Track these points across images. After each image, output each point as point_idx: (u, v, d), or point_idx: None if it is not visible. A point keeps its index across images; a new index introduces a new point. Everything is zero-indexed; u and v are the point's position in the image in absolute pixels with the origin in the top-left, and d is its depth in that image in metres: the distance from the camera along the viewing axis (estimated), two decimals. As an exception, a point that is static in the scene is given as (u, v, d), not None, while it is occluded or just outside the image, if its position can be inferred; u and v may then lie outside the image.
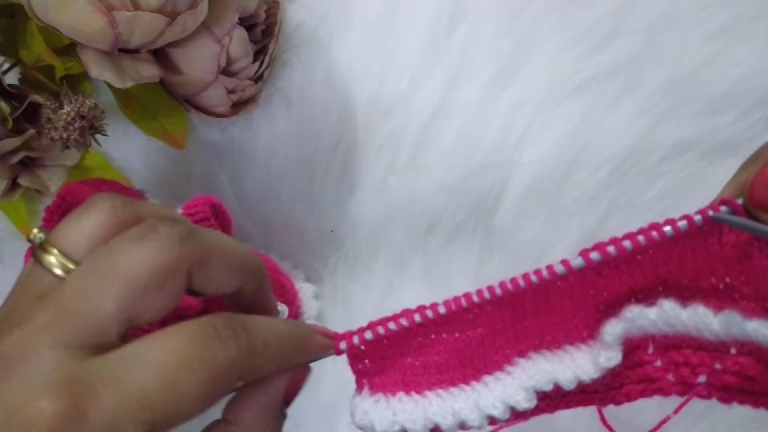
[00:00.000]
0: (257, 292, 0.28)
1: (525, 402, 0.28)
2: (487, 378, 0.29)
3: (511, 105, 0.50)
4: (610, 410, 0.33)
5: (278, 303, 0.50)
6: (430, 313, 0.28)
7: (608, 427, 0.42)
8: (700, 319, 0.27)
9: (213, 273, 0.25)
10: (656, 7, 0.49)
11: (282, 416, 0.27)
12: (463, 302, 0.28)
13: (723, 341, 0.27)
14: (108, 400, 0.20)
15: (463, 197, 0.50)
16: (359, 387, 0.29)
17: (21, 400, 0.20)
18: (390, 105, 0.52)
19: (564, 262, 0.27)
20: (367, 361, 0.29)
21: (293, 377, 0.27)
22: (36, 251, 0.24)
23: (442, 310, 0.28)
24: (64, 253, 0.24)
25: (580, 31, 0.50)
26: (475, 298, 0.28)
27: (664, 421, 0.41)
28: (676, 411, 0.40)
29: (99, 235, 0.24)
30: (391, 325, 0.28)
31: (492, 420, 0.28)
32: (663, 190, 0.49)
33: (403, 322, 0.28)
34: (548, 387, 0.28)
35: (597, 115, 0.50)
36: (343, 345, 0.28)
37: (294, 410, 0.28)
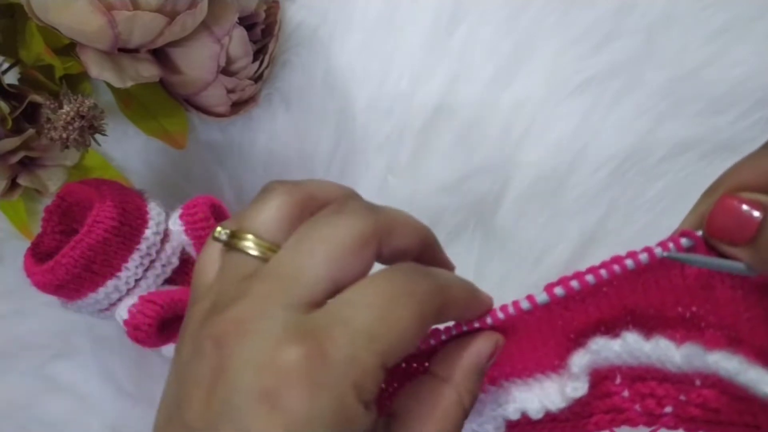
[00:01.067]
0: (433, 254, 0.30)
1: (494, 431, 0.29)
2: None
3: (511, 105, 0.50)
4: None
5: None
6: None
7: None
8: (662, 351, 0.27)
9: (398, 240, 0.27)
10: (656, 7, 0.49)
11: (482, 381, 0.28)
12: (431, 342, 0.28)
13: (686, 373, 0.27)
14: (341, 339, 0.23)
15: (463, 197, 0.50)
16: None
17: (269, 353, 0.22)
18: (390, 105, 0.52)
19: (529, 297, 0.27)
20: None
21: (496, 343, 0.28)
22: (230, 241, 0.27)
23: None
24: (258, 237, 0.26)
25: (580, 31, 0.50)
26: (443, 336, 0.28)
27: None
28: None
29: (283, 217, 0.27)
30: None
31: None
32: (663, 190, 0.49)
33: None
34: (515, 416, 0.29)
35: (597, 115, 0.50)
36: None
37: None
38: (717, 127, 0.48)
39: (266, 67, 0.50)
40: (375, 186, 0.52)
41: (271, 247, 0.26)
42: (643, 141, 0.49)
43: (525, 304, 0.27)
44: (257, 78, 0.49)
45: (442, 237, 0.51)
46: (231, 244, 0.27)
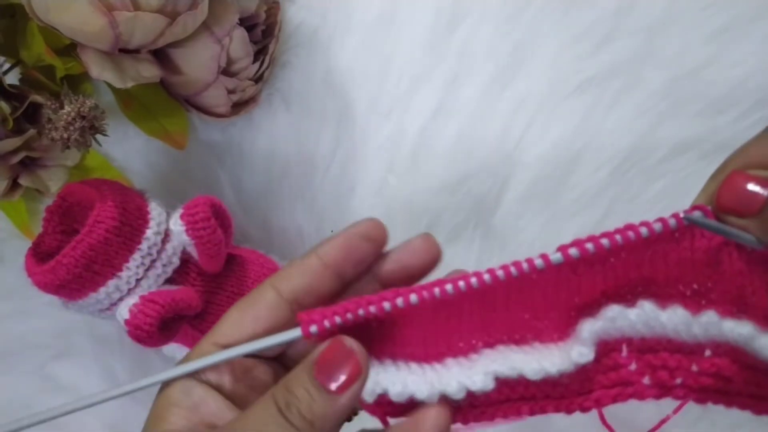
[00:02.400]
0: None
1: (482, 383, 0.27)
2: (449, 360, 0.29)
3: (511, 105, 0.50)
4: (609, 410, 0.33)
5: None
6: (400, 302, 0.28)
7: (608, 426, 0.42)
8: (680, 320, 0.27)
9: None
10: (656, 7, 0.49)
11: None
12: (437, 292, 0.28)
13: (699, 342, 0.28)
14: None
15: (463, 197, 0.51)
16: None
17: None
18: (390, 105, 0.52)
19: (543, 256, 0.28)
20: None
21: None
22: None
23: (413, 299, 0.28)
24: None
25: (580, 31, 0.50)
26: (449, 288, 0.28)
27: (664, 421, 0.41)
28: (675, 411, 0.39)
29: None
30: (360, 311, 0.27)
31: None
32: (663, 190, 0.49)
33: (372, 309, 0.27)
34: (512, 373, 0.28)
35: (597, 115, 0.50)
36: (313, 328, 0.27)
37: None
38: (717, 127, 0.48)
39: (266, 68, 0.50)
40: (375, 186, 0.52)
41: None
42: (643, 141, 0.49)
43: (539, 262, 0.28)
44: (258, 78, 0.49)
45: (442, 237, 0.51)
46: None
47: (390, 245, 0.54)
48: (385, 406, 0.28)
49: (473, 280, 0.28)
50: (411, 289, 0.28)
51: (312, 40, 0.53)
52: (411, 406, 0.28)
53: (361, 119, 0.52)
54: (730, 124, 0.48)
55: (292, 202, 0.53)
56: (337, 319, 0.27)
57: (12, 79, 0.44)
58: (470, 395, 0.28)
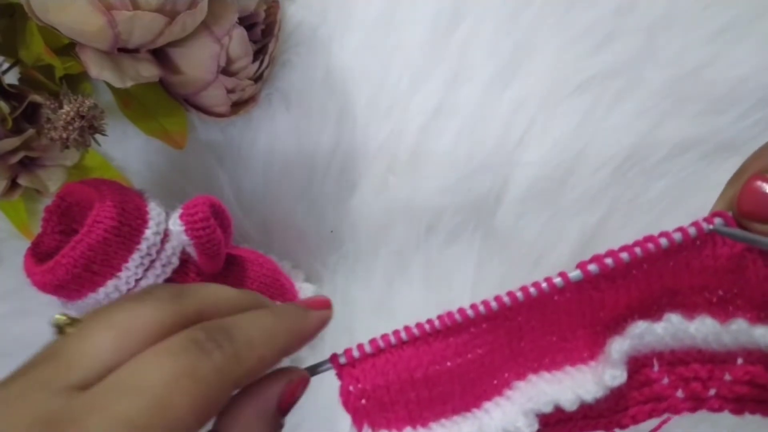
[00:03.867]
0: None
1: (526, 427, 0.27)
2: (487, 404, 0.29)
3: (511, 105, 0.50)
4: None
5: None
6: (426, 327, 0.28)
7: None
8: (708, 330, 0.27)
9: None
10: (656, 7, 0.49)
11: (277, 426, 0.26)
12: (458, 317, 0.28)
13: (730, 351, 0.27)
14: (93, 430, 0.20)
15: (463, 197, 0.50)
16: (358, 427, 0.28)
17: None
18: (390, 105, 0.52)
19: (562, 274, 0.27)
20: (364, 401, 0.28)
21: (288, 383, 0.26)
22: (63, 327, 0.25)
23: (436, 324, 0.28)
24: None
25: (580, 31, 0.50)
26: (470, 312, 0.27)
27: (665, 422, 0.41)
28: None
29: (136, 329, 0.24)
30: (391, 339, 0.28)
31: None
32: (663, 190, 0.49)
33: (403, 335, 0.28)
34: (548, 409, 0.27)
35: (597, 115, 0.50)
36: (342, 359, 0.27)
37: (294, 410, 0.28)
38: (717, 127, 0.48)
39: (266, 67, 0.50)
40: (375, 186, 0.52)
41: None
42: (644, 141, 0.49)
43: (558, 281, 0.27)
44: (257, 78, 0.49)
45: (442, 237, 0.51)
46: (62, 329, 0.25)
47: (389, 245, 0.54)
48: None
49: (493, 304, 0.27)
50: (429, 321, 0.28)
51: (312, 39, 0.53)
52: None
53: (361, 119, 0.52)
54: (730, 124, 0.48)
55: (291, 202, 0.53)
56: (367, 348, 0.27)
57: (11, 78, 0.44)
58: None
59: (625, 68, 0.49)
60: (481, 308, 0.27)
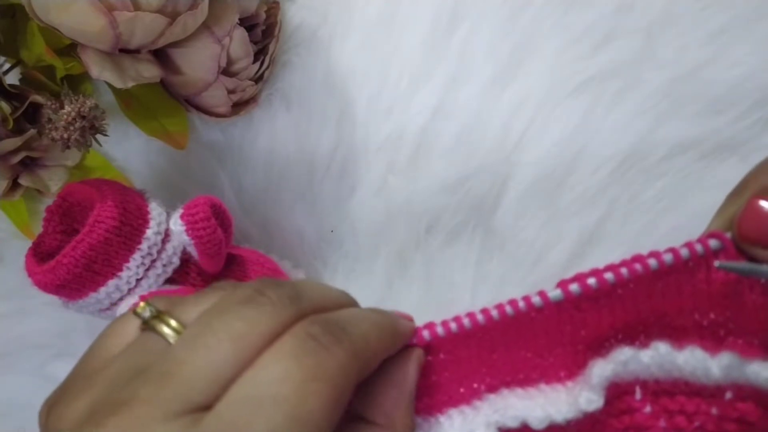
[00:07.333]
0: None
1: None
2: (451, 411, 0.27)
3: (511, 105, 0.50)
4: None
5: None
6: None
7: None
8: (697, 362, 0.25)
9: None
10: (656, 7, 0.49)
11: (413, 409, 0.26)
12: (426, 335, 0.27)
13: (719, 385, 0.25)
14: None
15: (463, 197, 0.51)
16: None
17: None
18: (390, 105, 0.52)
19: (541, 293, 0.26)
20: None
21: (419, 364, 0.26)
22: (151, 321, 0.23)
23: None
24: (185, 327, 0.22)
25: (580, 31, 0.50)
26: (440, 330, 0.26)
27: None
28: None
29: None
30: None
31: None
32: (663, 190, 0.49)
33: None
34: (514, 423, 0.26)
35: (597, 115, 0.50)
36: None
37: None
38: (717, 127, 0.48)
39: (267, 68, 0.50)
40: (375, 186, 0.52)
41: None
42: (643, 141, 0.49)
43: (536, 300, 0.26)
44: (258, 78, 0.49)
45: (441, 237, 0.51)
46: (150, 325, 0.23)
47: (389, 245, 0.54)
48: None
49: (465, 321, 0.26)
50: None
51: (312, 40, 0.53)
52: None
53: (361, 119, 0.52)
54: (729, 124, 0.48)
55: (292, 202, 0.53)
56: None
57: (12, 79, 0.44)
58: None
59: (624, 68, 0.49)
60: (453, 326, 0.27)
